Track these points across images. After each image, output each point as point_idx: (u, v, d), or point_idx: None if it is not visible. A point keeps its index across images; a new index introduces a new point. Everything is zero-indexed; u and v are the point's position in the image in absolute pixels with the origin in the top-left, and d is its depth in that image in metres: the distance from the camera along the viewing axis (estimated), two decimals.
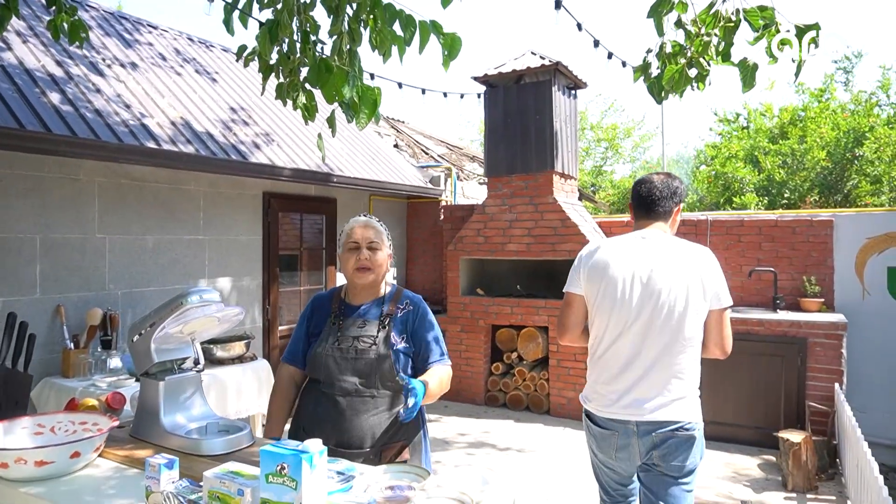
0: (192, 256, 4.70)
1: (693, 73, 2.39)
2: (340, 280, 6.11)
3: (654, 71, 2.60)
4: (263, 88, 2.85)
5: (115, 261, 4.17)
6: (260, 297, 5.29)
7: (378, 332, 2.01)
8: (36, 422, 1.81)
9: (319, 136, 2.50)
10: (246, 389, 4.18)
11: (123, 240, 4.22)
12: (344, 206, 6.21)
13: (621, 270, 2.21)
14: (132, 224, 4.27)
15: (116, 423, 1.78)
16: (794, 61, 1.85)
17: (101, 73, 4.41)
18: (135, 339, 1.91)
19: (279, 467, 1.21)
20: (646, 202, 2.32)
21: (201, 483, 1.34)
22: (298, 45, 2.43)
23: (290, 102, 2.72)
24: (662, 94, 2.54)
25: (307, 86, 2.57)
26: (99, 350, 3.84)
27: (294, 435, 2.06)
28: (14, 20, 4.30)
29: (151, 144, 3.99)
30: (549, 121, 5.82)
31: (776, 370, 4.80)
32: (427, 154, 8.87)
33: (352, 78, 2.12)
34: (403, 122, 10.62)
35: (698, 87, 2.49)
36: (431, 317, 2.13)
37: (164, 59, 5.32)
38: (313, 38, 2.45)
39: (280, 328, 5.47)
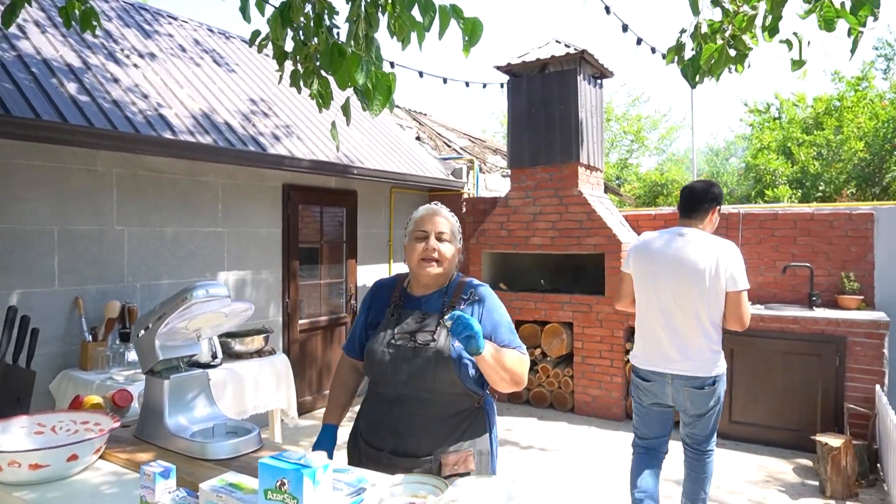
0: (211, 248, 4.65)
1: (732, 53, 2.23)
2: (361, 276, 6.03)
3: (689, 52, 2.44)
4: (280, 77, 2.76)
5: (133, 253, 4.12)
6: (279, 290, 5.22)
7: (437, 326, 1.80)
8: (36, 421, 1.74)
9: (333, 124, 2.40)
10: (264, 384, 4.11)
11: (141, 231, 4.18)
12: (364, 199, 6.12)
13: (659, 254, 2.87)
14: (150, 216, 4.23)
15: (118, 424, 1.69)
16: (849, 35, 1.68)
17: (119, 64, 4.37)
18: (140, 333, 1.82)
19: (279, 483, 1.10)
20: (687, 204, 2.93)
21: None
22: (312, 30, 2.33)
23: (306, 91, 2.62)
24: (697, 77, 2.37)
25: (322, 72, 2.47)
26: (117, 343, 3.81)
27: (352, 439, 1.94)
28: (33, 10, 4.27)
29: (169, 135, 3.93)
30: (574, 111, 5.64)
31: (812, 370, 4.58)
32: (449, 146, 8.74)
33: (365, 63, 2.00)
34: (425, 115, 10.49)
35: (737, 69, 2.33)
36: (500, 307, 1.88)
37: (183, 49, 5.27)
38: (327, 22, 2.35)
39: (300, 322, 5.41)
